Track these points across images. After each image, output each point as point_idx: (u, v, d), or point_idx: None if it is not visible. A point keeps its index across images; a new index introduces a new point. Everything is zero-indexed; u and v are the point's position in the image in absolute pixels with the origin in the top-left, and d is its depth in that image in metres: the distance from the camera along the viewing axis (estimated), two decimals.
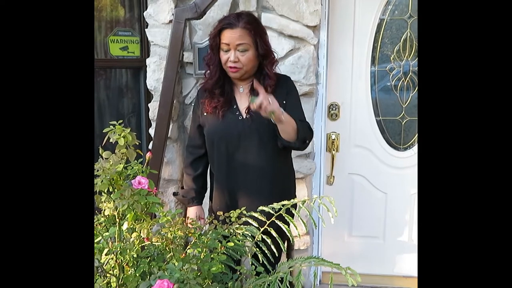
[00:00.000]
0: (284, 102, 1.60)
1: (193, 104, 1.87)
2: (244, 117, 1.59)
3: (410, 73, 2.34)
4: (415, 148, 2.40)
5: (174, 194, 2.10)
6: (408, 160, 2.41)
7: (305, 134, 1.56)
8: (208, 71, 1.63)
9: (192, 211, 1.73)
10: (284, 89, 1.63)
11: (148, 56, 2.21)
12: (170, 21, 2.07)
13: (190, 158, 1.75)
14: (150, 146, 2.18)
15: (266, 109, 1.38)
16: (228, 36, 1.52)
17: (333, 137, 2.37)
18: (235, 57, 1.53)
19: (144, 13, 2.15)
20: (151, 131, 2.18)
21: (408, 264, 2.50)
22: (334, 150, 2.38)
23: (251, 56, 1.55)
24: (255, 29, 1.54)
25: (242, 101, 1.62)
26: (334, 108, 2.37)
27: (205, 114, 1.63)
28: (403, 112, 2.39)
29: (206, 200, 1.85)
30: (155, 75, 2.14)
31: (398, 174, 2.43)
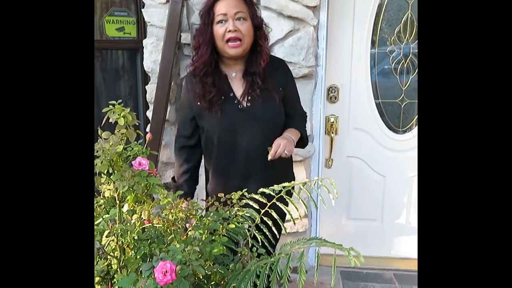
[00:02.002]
0: (281, 89, 1.54)
1: (180, 94, 1.77)
2: (245, 105, 1.50)
3: (410, 55, 2.32)
4: (414, 131, 2.39)
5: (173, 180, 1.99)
6: (406, 143, 2.41)
7: (306, 137, 1.65)
8: (197, 54, 1.49)
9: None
10: (280, 74, 1.57)
11: (145, 37, 2.18)
12: (167, 1, 2.03)
13: (180, 146, 1.64)
14: (147, 129, 2.16)
15: (283, 154, 1.43)
16: (225, 5, 1.42)
17: (332, 120, 2.36)
18: (234, 26, 1.41)
19: None
20: (149, 114, 2.15)
21: (405, 246, 2.52)
22: (333, 133, 2.37)
23: (249, 27, 1.45)
24: None
25: (237, 88, 1.52)
26: (333, 91, 2.35)
27: (198, 103, 1.51)
28: (403, 95, 2.37)
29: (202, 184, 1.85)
30: (152, 56, 2.11)
31: (396, 157, 2.43)
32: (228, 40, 1.43)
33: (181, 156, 1.64)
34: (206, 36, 1.45)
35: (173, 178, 1.87)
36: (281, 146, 1.43)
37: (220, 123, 1.50)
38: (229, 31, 1.42)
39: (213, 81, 1.48)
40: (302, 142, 1.63)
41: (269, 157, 1.43)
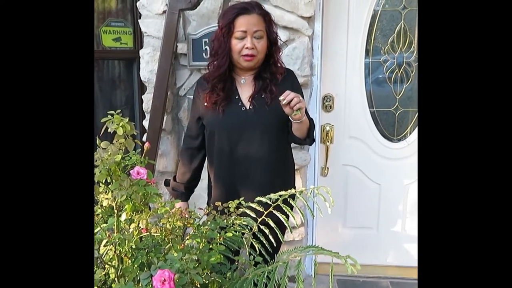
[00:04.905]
0: None
1: (190, 96, 1.84)
2: (248, 107, 1.55)
3: (404, 65, 2.35)
4: (408, 139, 2.42)
5: (165, 182, 1.93)
6: (401, 151, 2.43)
7: (313, 131, 1.61)
8: (214, 62, 1.56)
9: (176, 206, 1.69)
10: (289, 83, 1.60)
11: (142, 47, 2.19)
12: (164, 12, 2.04)
13: (185, 147, 1.73)
14: (144, 138, 2.17)
15: (296, 105, 1.37)
16: (245, 23, 1.48)
17: (328, 128, 2.38)
18: (251, 44, 1.48)
19: (137, 4, 2.12)
20: (145, 123, 2.16)
21: (401, 254, 2.53)
22: (328, 141, 2.38)
23: (265, 44, 1.52)
24: (267, 16, 1.54)
25: (244, 91, 1.58)
26: (328, 100, 2.37)
27: (205, 104, 1.57)
28: (397, 103, 2.40)
29: (201, 192, 1.85)
30: (148, 66, 2.12)
31: (391, 165, 2.45)
32: (243, 55, 1.50)
33: (184, 156, 1.72)
34: (225, 48, 1.51)
35: (166, 181, 1.86)
36: (293, 94, 1.38)
37: (220, 122, 1.55)
38: (247, 48, 1.48)
39: (223, 86, 1.55)
40: (308, 136, 1.59)
41: (281, 97, 1.38)
